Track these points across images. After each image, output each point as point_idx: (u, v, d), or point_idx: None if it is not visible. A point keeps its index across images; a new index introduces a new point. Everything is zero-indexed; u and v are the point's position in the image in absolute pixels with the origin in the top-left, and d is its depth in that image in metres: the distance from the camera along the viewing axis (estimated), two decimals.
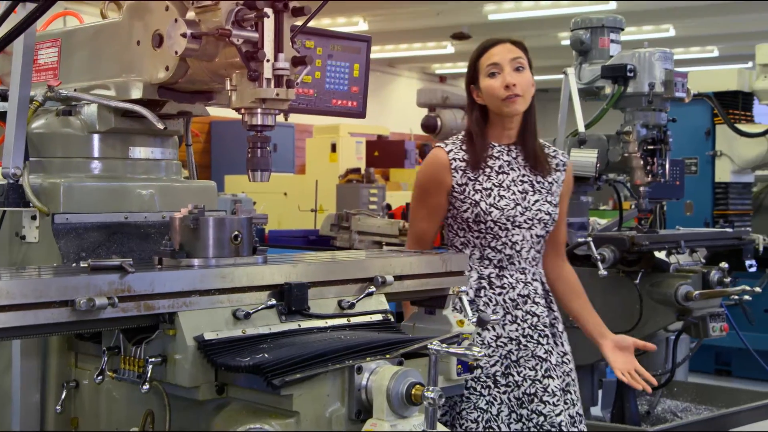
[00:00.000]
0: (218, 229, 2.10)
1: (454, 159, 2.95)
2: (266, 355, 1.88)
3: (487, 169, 2.95)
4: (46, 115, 2.46)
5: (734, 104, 6.90)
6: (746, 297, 4.43)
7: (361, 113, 2.79)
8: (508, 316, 2.92)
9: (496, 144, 2.99)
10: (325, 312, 2.16)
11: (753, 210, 7.07)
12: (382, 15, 13.78)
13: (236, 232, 2.11)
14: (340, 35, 2.71)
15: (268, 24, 2.02)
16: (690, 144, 6.85)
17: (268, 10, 2.01)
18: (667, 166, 4.67)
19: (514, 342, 2.92)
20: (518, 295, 2.93)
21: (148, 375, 1.91)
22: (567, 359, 3.00)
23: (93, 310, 1.79)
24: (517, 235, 2.92)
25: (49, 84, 2.40)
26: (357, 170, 10.84)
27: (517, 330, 2.92)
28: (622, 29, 4.96)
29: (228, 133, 13.15)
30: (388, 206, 7.33)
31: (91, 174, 2.42)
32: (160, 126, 2.31)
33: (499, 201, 2.92)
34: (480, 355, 1.96)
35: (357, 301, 2.22)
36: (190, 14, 2.08)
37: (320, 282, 2.19)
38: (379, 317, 2.24)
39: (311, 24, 2.27)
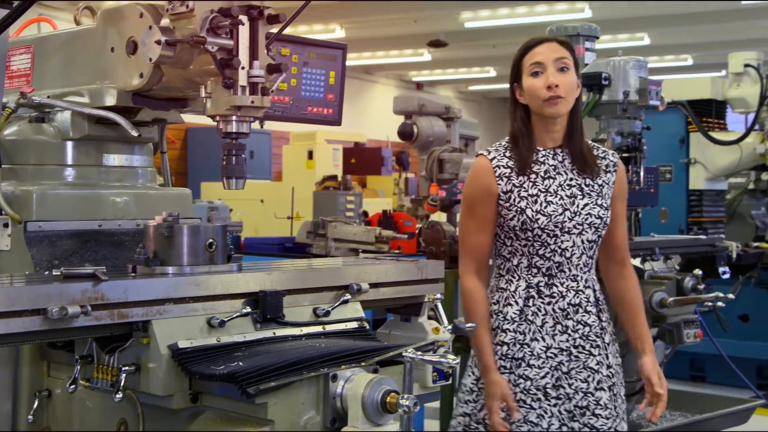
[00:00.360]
0: (192, 237, 2.09)
1: (498, 166, 2.82)
2: (241, 363, 1.88)
3: (533, 175, 2.82)
4: (19, 122, 2.44)
5: (708, 112, 6.96)
6: (720, 304, 4.46)
7: (336, 120, 2.79)
8: (558, 326, 2.78)
9: (540, 148, 2.85)
10: (300, 320, 2.16)
11: (726, 217, 7.13)
12: (359, 22, 13.78)
13: (211, 240, 2.11)
14: (316, 43, 2.71)
15: (243, 31, 2.01)
16: (664, 152, 6.89)
17: (243, 18, 2.01)
18: (642, 173, 4.70)
19: (564, 353, 2.78)
20: (569, 304, 2.79)
21: (122, 384, 1.90)
22: (611, 372, 2.84)
23: (65, 319, 1.77)
24: (567, 241, 2.78)
25: (22, 91, 2.38)
26: (334, 177, 10.83)
27: (567, 341, 2.79)
28: (597, 38, 4.98)
29: (204, 139, 13.09)
30: (365, 213, 7.32)
31: (64, 181, 2.41)
32: (134, 133, 2.30)
33: (546, 207, 2.78)
34: (455, 363, 1.96)
35: (332, 309, 2.22)
36: (165, 21, 2.07)
37: (295, 290, 2.19)
38: (354, 325, 2.24)
39: (287, 31, 2.27)
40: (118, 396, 1.90)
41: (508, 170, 2.81)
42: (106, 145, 2.44)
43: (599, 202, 2.83)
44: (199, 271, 2.07)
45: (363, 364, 1.94)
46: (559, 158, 2.85)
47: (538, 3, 12.55)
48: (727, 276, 5.79)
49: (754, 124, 6.60)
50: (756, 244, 6.61)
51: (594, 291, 2.85)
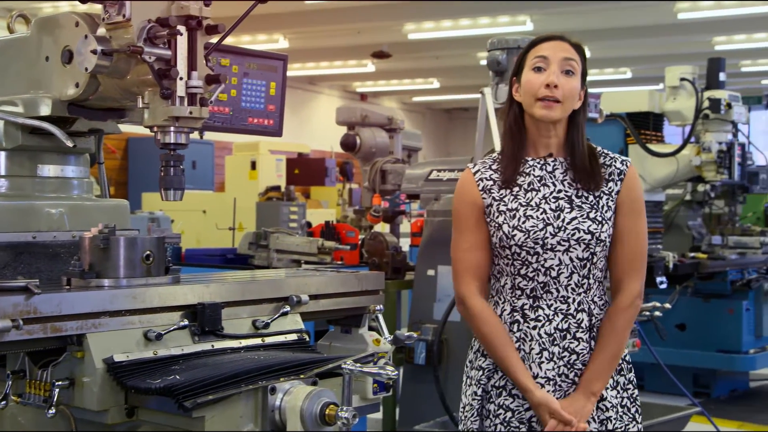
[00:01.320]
0: (129, 249, 2.06)
1: (482, 179, 2.61)
2: (178, 377, 1.85)
3: (516, 188, 2.58)
4: None
5: (645, 125, 7.09)
6: (657, 313, 4.54)
7: (277, 131, 2.77)
8: (545, 353, 2.51)
9: (529, 158, 2.60)
10: (239, 332, 2.15)
11: (664, 228, 7.26)
12: (303, 32, 13.78)
13: (148, 252, 2.08)
14: (256, 53, 2.70)
15: (182, 42, 2.00)
16: None
17: (182, 28, 1.99)
18: None
19: (550, 383, 2.51)
20: (555, 328, 2.50)
21: (55, 399, 1.86)
22: (605, 405, 2.53)
23: None
24: (552, 259, 2.51)
25: None
26: (277, 188, 10.79)
27: (553, 368, 2.51)
28: None
29: (145, 149, 12.95)
30: (308, 224, 7.31)
31: None
32: (69, 144, 2.26)
33: (524, 222, 2.53)
34: (394, 374, 1.96)
35: (271, 321, 2.21)
36: (101, 31, 2.04)
37: (234, 302, 2.17)
38: (293, 337, 2.23)
39: (227, 41, 2.26)
40: (51, 412, 1.86)
41: (491, 183, 2.60)
42: (41, 156, 2.39)
43: (592, 215, 2.54)
44: (135, 284, 2.05)
45: (302, 376, 1.94)
46: (549, 168, 2.59)
47: (481, 16, 12.68)
48: (664, 286, 5.90)
49: (690, 137, 6.74)
50: (692, 254, 6.75)
51: (591, 315, 2.54)
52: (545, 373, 2.51)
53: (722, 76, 7.03)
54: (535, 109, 2.53)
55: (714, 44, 14.40)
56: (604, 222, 2.54)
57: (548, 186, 2.57)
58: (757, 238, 7.09)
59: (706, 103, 6.70)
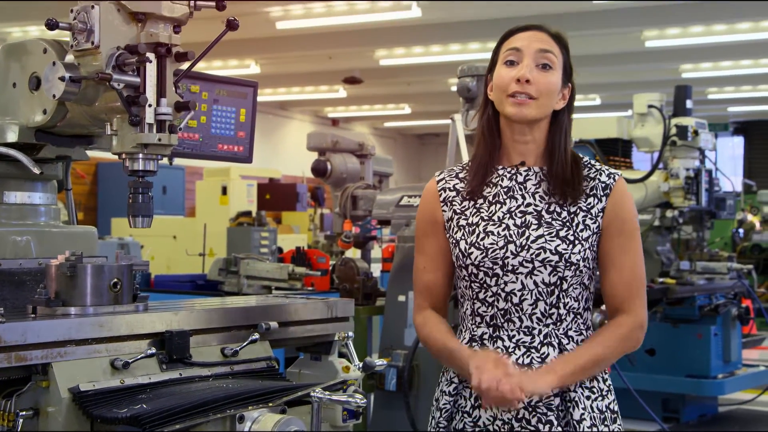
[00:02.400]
0: (96, 277, 2.04)
1: (444, 189, 2.33)
2: (145, 406, 1.83)
3: (480, 200, 2.29)
4: None
5: (614, 151, 7.17)
6: None
7: (247, 158, 2.77)
8: None
9: (499, 166, 2.31)
10: (207, 360, 2.13)
11: None
12: (274, 58, 13.81)
13: (115, 280, 2.06)
14: (226, 80, 2.70)
15: (150, 69, 1.99)
16: None
17: (151, 55, 1.99)
18: None
19: (507, 425, 2.21)
20: (515, 363, 2.16)
21: (19, 429, 1.83)
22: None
23: None
24: (513, 283, 2.20)
25: None
26: (248, 213, 10.78)
27: (511, 411, 2.19)
28: None
29: (115, 174, 12.90)
30: (280, 249, 7.30)
31: None
32: (36, 171, 2.24)
33: (483, 239, 2.23)
34: (362, 402, 1.95)
35: (240, 349, 2.19)
36: (69, 57, 2.03)
37: (203, 329, 2.16)
38: (262, 364, 2.21)
39: (198, 67, 2.26)
40: None
41: (454, 194, 2.32)
42: (7, 182, 2.37)
43: (562, 233, 2.20)
44: (102, 312, 2.02)
45: (270, 404, 1.92)
46: (519, 178, 2.28)
47: (451, 43, 12.78)
48: None
49: (658, 163, 6.82)
50: (661, 279, 6.80)
51: (562, 350, 2.20)
52: (502, 415, 2.20)
53: (689, 104, 7.13)
54: (506, 107, 2.23)
55: (681, 72, 14.63)
56: (577, 242, 2.20)
57: (516, 199, 2.26)
58: (725, 263, 7.17)
59: (673, 130, 6.79)
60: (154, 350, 2.02)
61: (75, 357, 1.90)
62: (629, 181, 6.63)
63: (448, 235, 2.31)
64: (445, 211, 2.32)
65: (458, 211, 2.30)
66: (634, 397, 4.95)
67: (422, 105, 18.93)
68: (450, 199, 2.33)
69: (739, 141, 22.86)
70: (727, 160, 20.72)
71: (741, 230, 12.49)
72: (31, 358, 1.83)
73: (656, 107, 6.96)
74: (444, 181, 2.36)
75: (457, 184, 2.34)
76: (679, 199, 6.87)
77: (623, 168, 7.14)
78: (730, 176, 7.96)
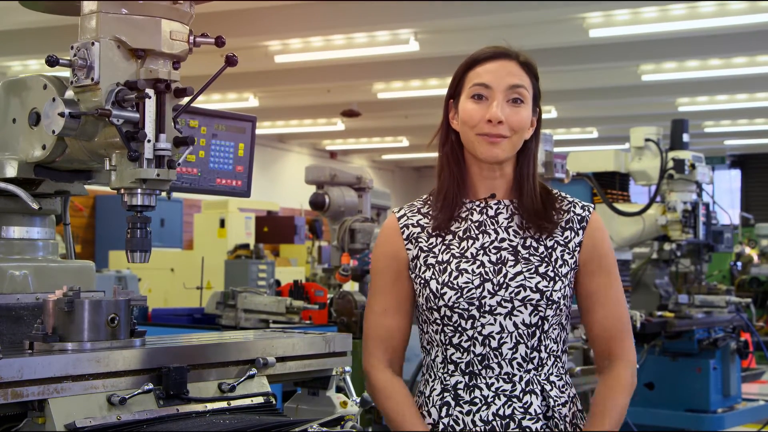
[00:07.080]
0: (94, 312, 2.04)
1: (407, 225, 2.17)
2: None
3: (449, 236, 2.13)
4: None
5: (612, 184, 7.18)
6: None
7: (245, 192, 2.78)
8: None
9: (466, 200, 2.17)
10: (204, 395, 2.12)
11: (631, 286, 7.30)
12: (273, 91, 13.87)
13: (113, 315, 2.06)
14: (225, 115, 2.71)
15: (150, 105, 2.00)
16: None
17: (150, 91, 2.00)
18: None
19: None
20: (495, 415, 2.02)
21: None
22: None
23: None
24: (491, 325, 2.04)
25: None
26: (246, 246, 10.77)
27: None
28: None
29: (113, 207, 12.90)
30: (278, 282, 7.28)
31: None
32: (35, 206, 2.25)
33: (456, 278, 2.07)
34: None
35: (238, 384, 2.18)
36: (69, 93, 2.05)
37: (200, 365, 2.15)
38: (260, 400, 2.20)
39: (197, 102, 2.27)
40: None
41: (418, 230, 2.16)
42: (6, 217, 2.37)
43: (542, 269, 2.07)
44: (100, 347, 2.02)
45: None
46: (490, 212, 2.15)
47: (448, 76, 12.85)
48: None
49: (656, 196, 6.82)
50: (660, 312, 6.78)
51: (546, 398, 2.06)
52: None
53: (686, 137, 7.16)
54: (477, 147, 2.11)
55: (677, 105, 14.70)
56: (557, 279, 2.07)
57: (489, 234, 2.12)
58: (723, 296, 7.15)
59: (670, 164, 6.81)
60: (151, 386, 2.01)
61: (72, 393, 1.89)
62: (627, 214, 6.63)
63: (413, 275, 2.15)
64: (409, 249, 2.16)
65: (425, 248, 2.14)
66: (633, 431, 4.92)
67: (420, 138, 18.98)
68: (414, 236, 2.17)
69: (736, 174, 22.93)
70: (725, 193, 20.77)
71: (739, 263, 12.48)
72: (27, 395, 1.82)
73: (653, 141, 6.98)
74: (406, 218, 2.20)
75: (420, 219, 2.19)
76: (677, 233, 6.87)
77: (621, 201, 7.15)
78: (728, 209, 7.97)
